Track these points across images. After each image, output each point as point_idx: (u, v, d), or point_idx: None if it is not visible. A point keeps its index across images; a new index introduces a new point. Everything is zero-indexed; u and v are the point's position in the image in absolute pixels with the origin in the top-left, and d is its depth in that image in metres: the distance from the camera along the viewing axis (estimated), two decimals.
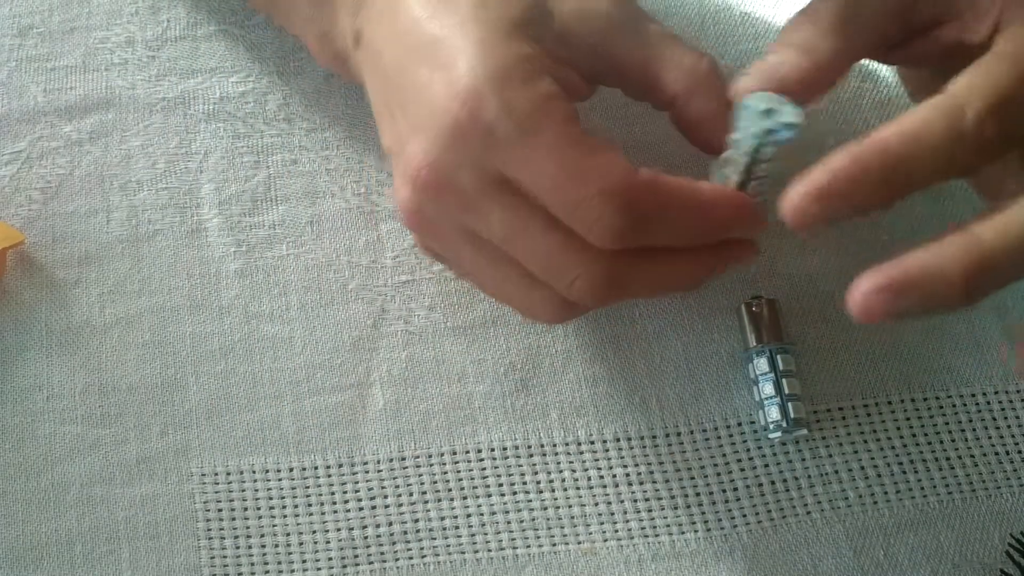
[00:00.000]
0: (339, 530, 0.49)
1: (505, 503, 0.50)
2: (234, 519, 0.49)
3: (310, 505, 0.50)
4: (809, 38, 0.48)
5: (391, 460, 0.51)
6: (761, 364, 0.51)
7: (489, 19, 0.45)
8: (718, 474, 0.51)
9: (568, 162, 0.43)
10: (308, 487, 0.50)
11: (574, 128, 0.44)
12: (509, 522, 0.50)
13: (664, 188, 0.44)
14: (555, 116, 0.44)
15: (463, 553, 0.49)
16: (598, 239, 0.44)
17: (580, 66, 0.49)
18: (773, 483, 0.51)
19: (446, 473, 0.51)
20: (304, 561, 0.49)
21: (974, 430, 0.52)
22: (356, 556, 0.49)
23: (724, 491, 0.51)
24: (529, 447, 0.51)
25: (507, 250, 0.46)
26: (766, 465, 0.51)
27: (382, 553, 0.49)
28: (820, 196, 0.42)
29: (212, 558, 0.48)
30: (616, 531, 0.50)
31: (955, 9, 0.48)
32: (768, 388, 0.51)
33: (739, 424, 0.52)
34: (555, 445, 0.51)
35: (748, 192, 0.47)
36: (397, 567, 0.49)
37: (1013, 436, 0.52)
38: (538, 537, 0.50)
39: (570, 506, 0.50)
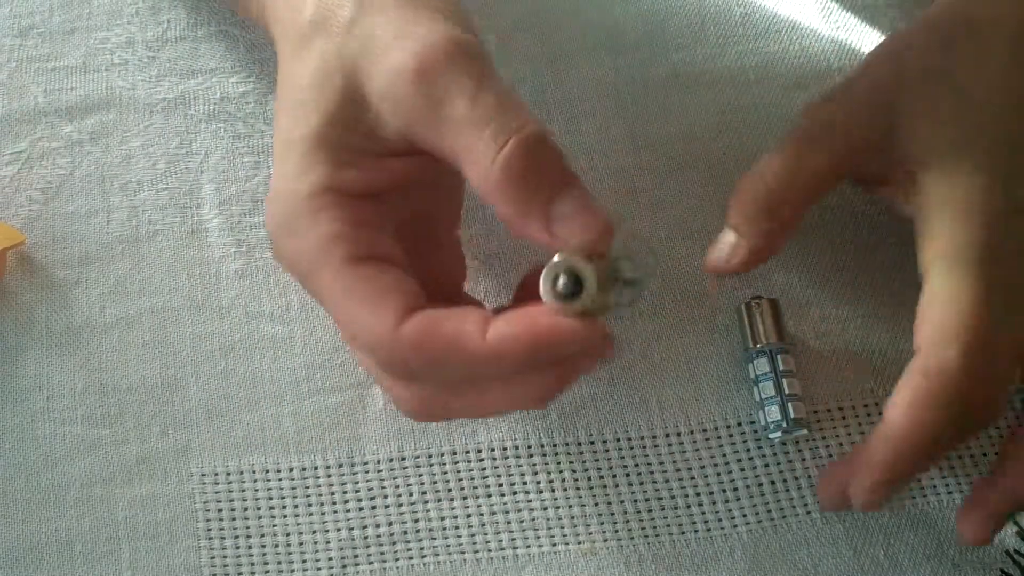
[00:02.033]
0: (339, 530, 0.49)
1: (505, 503, 0.50)
2: (234, 519, 0.49)
3: (310, 505, 0.50)
4: (755, 213, 0.50)
5: (391, 460, 0.51)
6: (761, 364, 0.51)
7: (291, 137, 0.44)
8: (718, 474, 0.51)
9: (339, 311, 0.43)
10: (308, 487, 0.50)
11: (348, 274, 0.43)
12: (509, 522, 0.50)
13: (434, 341, 0.41)
14: (331, 261, 0.43)
15: (463, 553, 0.49)
16: (383, 378, 0.45)
17: (404, 147, 0.45)
18: (773, 483, 0.51)
19: (446, 473, 0.51)
20: (304, 561, 0.49)
21: None
22: (356, 556, 0.49)
23: (724, 491, 0.51)
24: (529, 447, 0.51)
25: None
26: (766, 465, 0.51)
27: (382, 553, 0.49)
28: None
29: (212, 558, 0.48)
30: (616, 531, 0.50)
31: (894, 178, 0.50)
32: (768, 388, 0.51)
33: (739, 424, 0.52)
34: (555, 445, 0.51)
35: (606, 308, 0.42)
36: (397, 567, 0.49)
37: None
38: (538, 537, 0.50)
39: (570, 506, 0.50)
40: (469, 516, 0.50)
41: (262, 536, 0.49)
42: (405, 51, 0.43)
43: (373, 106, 0.44)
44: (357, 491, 0.50)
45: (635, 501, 0.50)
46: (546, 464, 0.51)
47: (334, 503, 0.50)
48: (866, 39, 0.61)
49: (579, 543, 0.49)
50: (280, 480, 0.50)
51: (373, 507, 0.50)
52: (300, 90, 0.45)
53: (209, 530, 0.49)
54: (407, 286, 0.43)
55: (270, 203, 0.45)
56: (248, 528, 0.49)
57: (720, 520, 0.50)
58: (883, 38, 0.60)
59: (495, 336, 0.41)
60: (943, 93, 0.49)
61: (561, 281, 0.41)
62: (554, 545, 0.49)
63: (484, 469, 0.51)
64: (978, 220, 0.47)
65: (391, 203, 0.45)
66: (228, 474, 0.50)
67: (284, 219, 0.44)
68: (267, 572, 0.48)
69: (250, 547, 0.49)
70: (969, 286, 0.46)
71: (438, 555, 0.49)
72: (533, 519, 0.50)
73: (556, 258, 0.41)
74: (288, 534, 0.49)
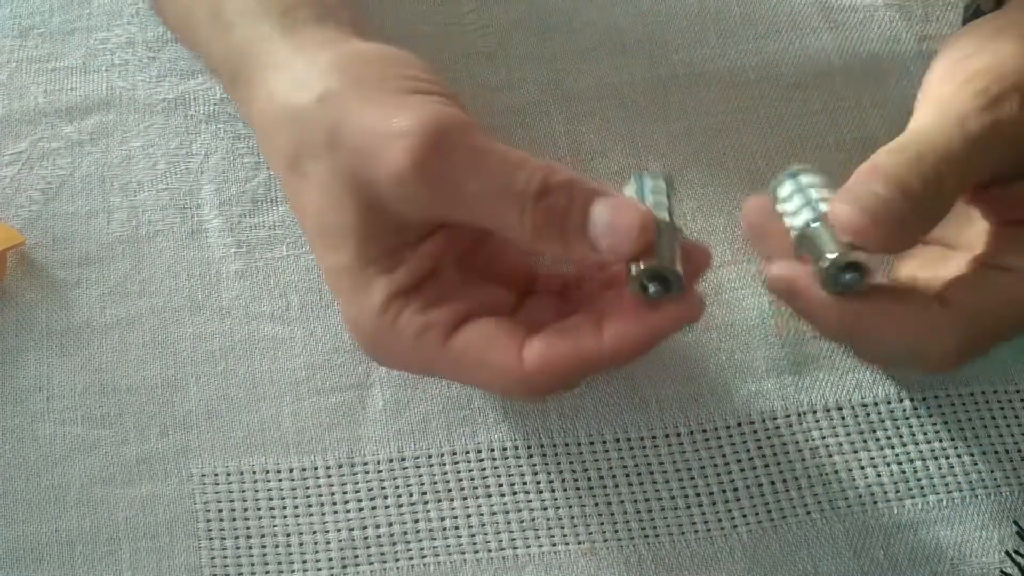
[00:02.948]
0: (339, 530, 0.49)
1: (505, 503, 0.50)
2: (234, 519, 0.49)
3: (310, 505, 0.50)
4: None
5: (391, 460, 0.51)
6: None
7: (337, 266, 0.47)
8: (718, 474, 0.51)
9: (467, 379, 0.48)
10: (308, 487, 0.50)
11: (452, 351, 0.46)
12: (509, 522, 0.50)
13: (558, 363, 0.45)
14: (432, 349, 0.46)
15: (463, 553, 0.49)
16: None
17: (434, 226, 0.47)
18: (773, 483, 0.51)
19: (446, 473, 0.51)
20: (304, 561, 0.49)
21: (973, 429, 0.52)
22: (356, 556, 0.49)
23: (724, 491, 0.51)
24: (529, 447, 0.51)
25: None
26: (766, 465, 0.51)
27: (382, 553, 0.49)
28: None
29: (212, 558, 0.48)
30: (616, 531, 0.50)
31: None
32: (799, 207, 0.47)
33: (739, 424, 0.52)
34: (555, 445, 0.51)
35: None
36: (397, 567, 0.49)
37: (1013, 436, 0.52)
38: (538, 537, 0.50)
39: (570, 506, 0.50)
40: (469, 516, 0.50)
41: (262, 536, 0.49)
42: (397, 151, 0.44)
43: (392, 209, 0.46)
44: (357, 491, 0.50)
45: (635, 501, 0.50)
46: (546, 464, 0.51)
47: (334, 503, 0.50)
48: (866, 39, 0.61)
49: (579, 543, 0.49)
50: (280, 480, 0.50)
51: (373, 507, 0.50)
52: (316, 215, 0.47)
53: (209, 530, 0.49)
54: (504, 326, 0.46)
55: (354, 331, 0.48)
56: (248, 528, 0.49)
57: (720, 520, 0.50)
58: (883, 38, 0.60)
59: (612, 339, 0.45)
60: None
61: (652, 288, 0.44)
62: (554, 545, 0.49)
63: (484, 469, 0.51)
64: None
65: (445, 262, 0.48)
66: (228, 474, 0.50)
67: (373, 339, 0.47)
68: (267, 572, 0.48)
69: (250, 547, 0.49)
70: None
71: (438, 555, 0.49)
72: (533, 519, 0.50)
73: (633, 270, 0.44)
74: (288, 534, 0.49)
